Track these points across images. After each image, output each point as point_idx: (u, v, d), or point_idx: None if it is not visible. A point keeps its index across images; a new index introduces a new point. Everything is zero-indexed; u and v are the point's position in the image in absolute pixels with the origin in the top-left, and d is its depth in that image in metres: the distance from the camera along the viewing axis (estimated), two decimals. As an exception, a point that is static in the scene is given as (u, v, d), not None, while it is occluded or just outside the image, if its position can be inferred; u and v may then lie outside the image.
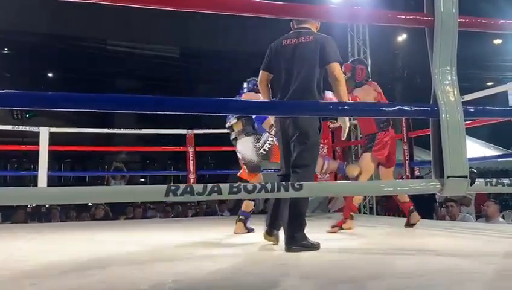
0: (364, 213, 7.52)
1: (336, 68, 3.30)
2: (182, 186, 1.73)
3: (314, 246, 3.11)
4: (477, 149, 12.41)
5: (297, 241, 3.08)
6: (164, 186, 1.73)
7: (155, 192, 1.78)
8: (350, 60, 4.97)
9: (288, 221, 3.13)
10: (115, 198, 2.17)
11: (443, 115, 1.93)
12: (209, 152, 15.28)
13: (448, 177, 1.90)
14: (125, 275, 2.33)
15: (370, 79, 4.76)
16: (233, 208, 8.73)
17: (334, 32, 8.51)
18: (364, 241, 3.81)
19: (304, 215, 3.22)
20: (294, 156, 3.26)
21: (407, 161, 6.28)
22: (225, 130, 7.46)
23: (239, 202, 8.80)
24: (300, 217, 3.16)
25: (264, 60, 3.54)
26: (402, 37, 15.42)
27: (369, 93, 4.52)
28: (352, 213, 4.54)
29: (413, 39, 13.62)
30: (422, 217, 4.98)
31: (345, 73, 4.26)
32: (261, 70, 3.51)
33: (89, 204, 9.00)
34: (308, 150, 3.26)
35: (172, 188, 1.72)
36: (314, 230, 3.74)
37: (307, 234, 3.15)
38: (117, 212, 8.74)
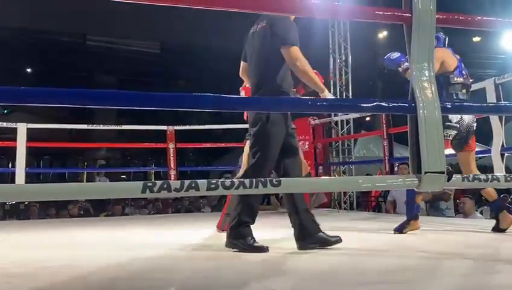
0: (345, 209, 7.55)
1: (291, 52, 2.83)
2: (159, 182, 1.71)
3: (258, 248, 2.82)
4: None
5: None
6: (141, 183, 1.70)
7: (132, 188, 1.76)
8: None
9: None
10: (92, 195, 2.13)
11: (420, 111, 1.93)
12: (191, 148, 15.21)
13: (425, 173, 1.90)
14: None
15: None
16: (216, 205, 8.70)
17: (316, 28, 8.55)
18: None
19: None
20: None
21: (386, 157, 6.33)
22: (206, 126, 7.40)
23: (221, 198, 8.82)
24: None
25: None
26: (383, 34, 15.51)
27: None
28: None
29: (393, 36, 13.68)
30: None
31: None
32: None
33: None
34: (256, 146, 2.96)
35: (149, 184, 1.69)
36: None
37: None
38: (97, 209, 8.67)
